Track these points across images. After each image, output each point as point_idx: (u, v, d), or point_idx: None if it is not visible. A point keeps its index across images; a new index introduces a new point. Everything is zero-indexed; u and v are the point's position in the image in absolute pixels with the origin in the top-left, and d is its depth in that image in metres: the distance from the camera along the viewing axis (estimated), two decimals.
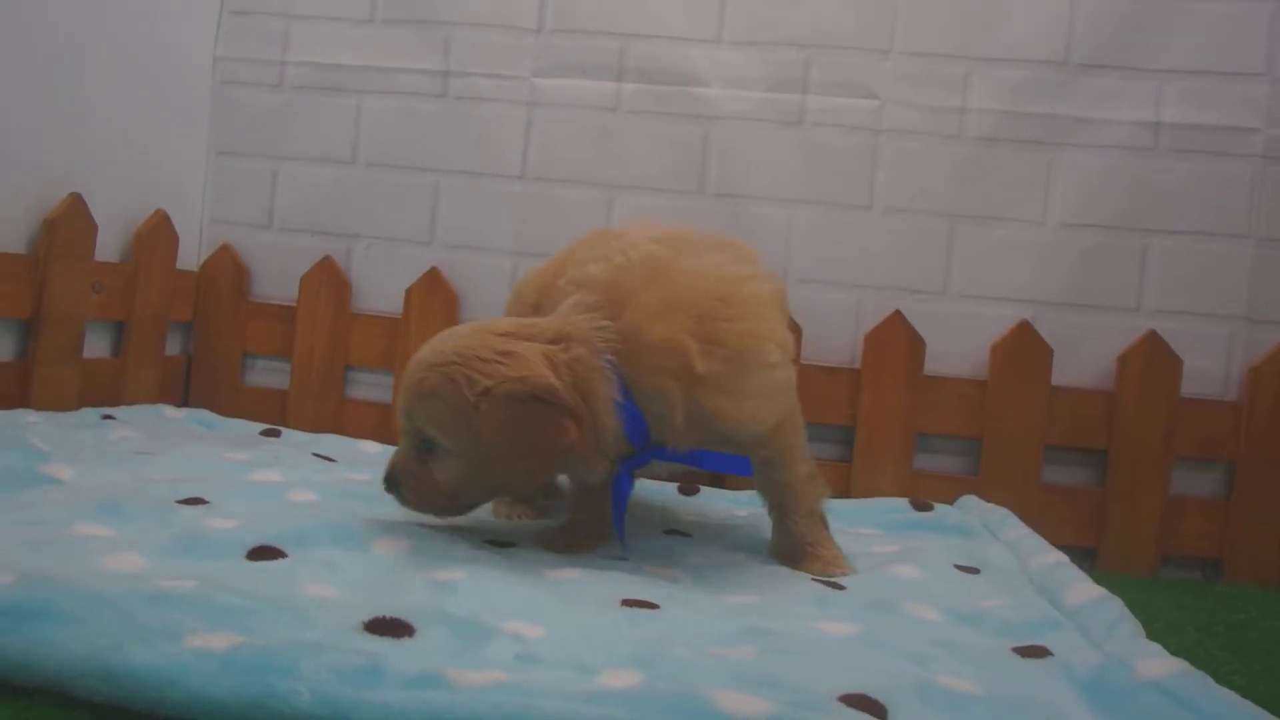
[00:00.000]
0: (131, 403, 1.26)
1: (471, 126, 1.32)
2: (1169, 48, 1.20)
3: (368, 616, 0.58)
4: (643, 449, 0.81)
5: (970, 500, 1.16)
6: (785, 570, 0.86)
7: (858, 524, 1.10)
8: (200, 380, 1.37)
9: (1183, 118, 1.20)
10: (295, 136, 1.37)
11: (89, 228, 1.16)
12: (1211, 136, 1.20)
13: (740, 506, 1.13)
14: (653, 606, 0.68)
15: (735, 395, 0.79)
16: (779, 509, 0.89)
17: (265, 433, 1.26)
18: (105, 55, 1.16)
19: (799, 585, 0.80)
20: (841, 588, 0.80)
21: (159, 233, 1.29)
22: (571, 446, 0.76)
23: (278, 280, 1.37)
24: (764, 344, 0.81)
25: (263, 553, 0.70)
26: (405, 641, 0.56)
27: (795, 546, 0.88)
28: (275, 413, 1.33)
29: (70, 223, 1.13)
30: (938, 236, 1.24)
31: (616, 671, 0.54)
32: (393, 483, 0.81)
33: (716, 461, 0.83)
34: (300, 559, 0.70)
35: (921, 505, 1.14)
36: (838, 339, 1.25)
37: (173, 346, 1.35)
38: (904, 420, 1.22)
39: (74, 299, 1.15)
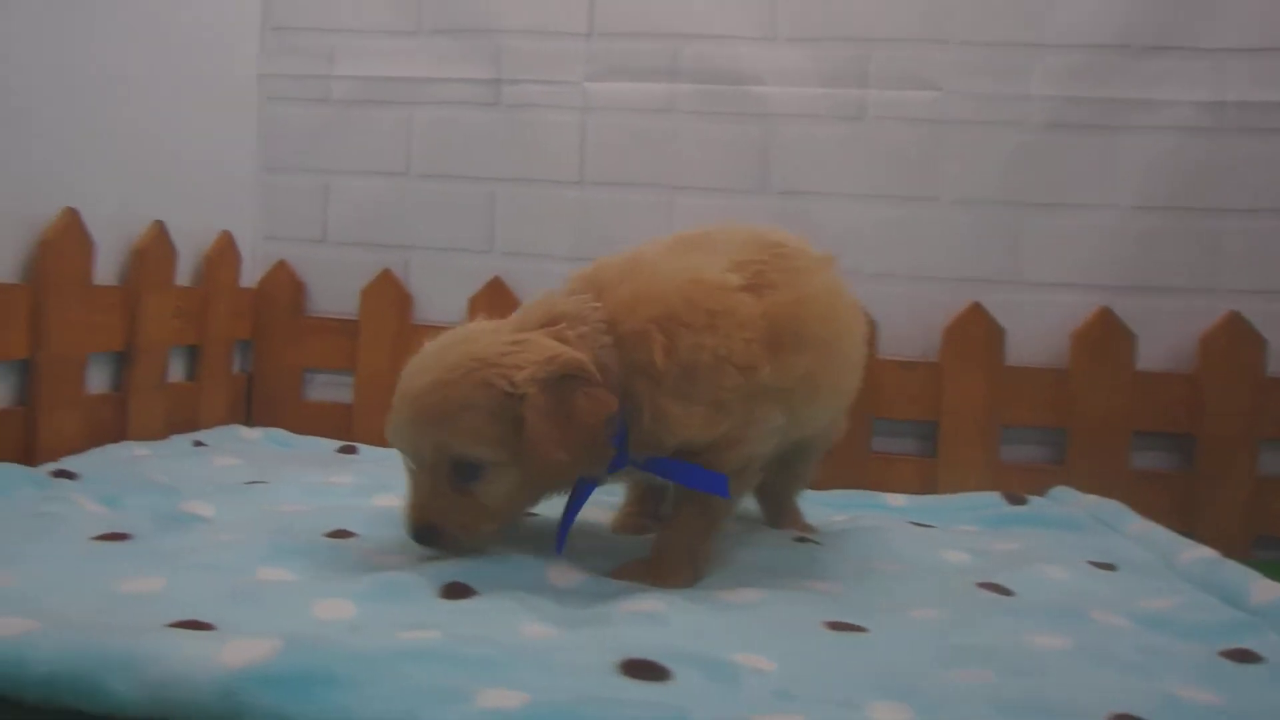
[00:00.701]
0: (208, 425, 1.24)
1: (525, 134, 1.31)
2: (1228, 26, 1.20)
3: (616, 658, 0.54)
4: (620, 453, 0.75)
5: (1065, 492, 1.13)
6: (955, 580, 0.81)
7: (954, 521, 1.08)
8: (262, 398, 1.34)
9: (1246, 95, 1.20)
10: (345, 150, 1.35)
11: (170, 254, 1.15)
12: (1276, 114, 1.19)
13: (837, 510, 1.10)
14: (860, 630, 0.66)
15: (687, 400, 0.74)
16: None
17: (342, 449, 1.23)
18: (151, 81, 1.14)
19: (974, 595, 0.77)
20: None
21: (225, 254, 1.28)
22: (613, 420, 0.71)
23: (335, 294, 1.35)
24: (711, 357, 0.74)
25: (454, 590, 0.67)
26: (672, 686, 0.53)
27: (655, 555, 0.78)
28: (341, 428, 1.31)
29: (155, 251, 1.12)
30: (1006, 225, 1.23)
31: (880, 705, 0.52)
32: (430, 533, 0.72)
33: (685, 475, 0.76)
34: (490, 596, 0.67)
35: (1015, 498, 1.11)
36: (912, 333, 1.23)
37: (233, 365, 1.33)
38: (988, 412, 1.20)
39: (160, 326, 1.14)
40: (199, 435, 1.17)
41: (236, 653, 0.47)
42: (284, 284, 1.35)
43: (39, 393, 0.94)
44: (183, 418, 1.19)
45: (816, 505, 1.15)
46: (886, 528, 0.99)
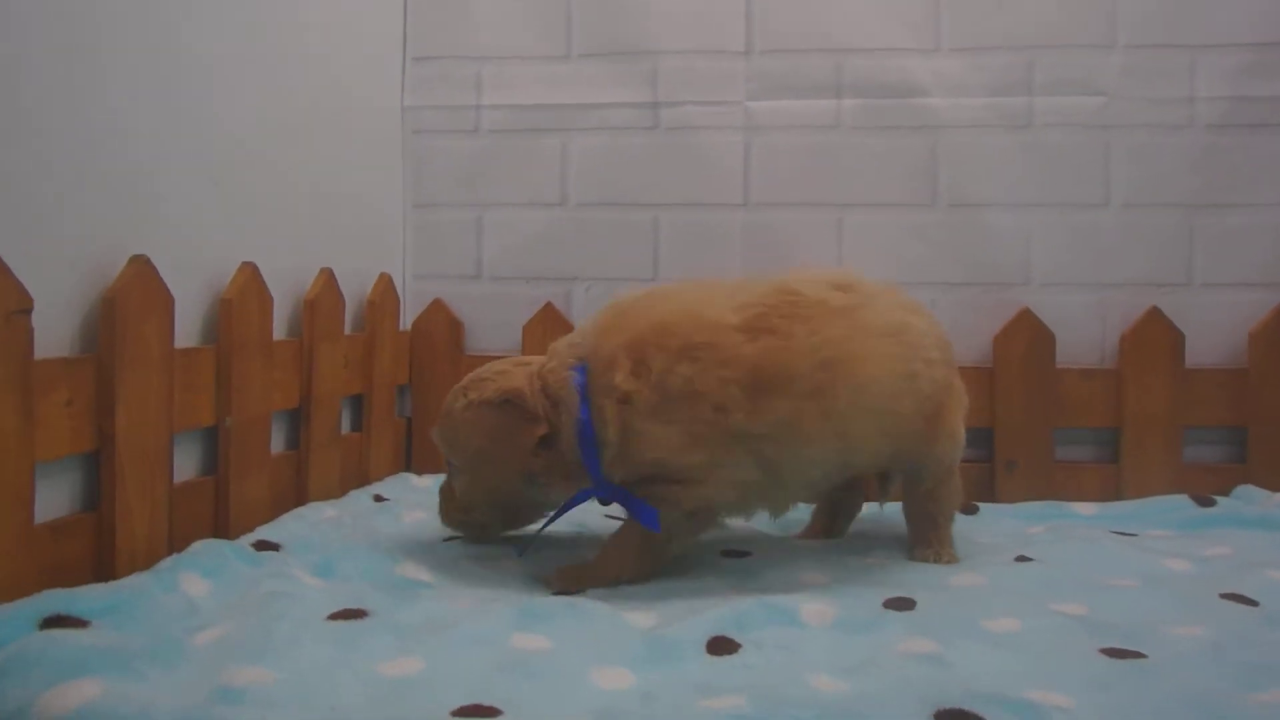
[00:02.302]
0: (378, 475, 1.23)
1: (687, 157, 1.30)
2: None
3: (930, 709, 0.56)
4: (597, 481, 0.83)
5: (1251, 490, 1.17)
6: (1195, 591, 0.83)
7: (1146, 525, 1.11)
8: (424, 442, 1.34)
9: None
10: (498, 182, 1.33)
11: (339, 303, 1.13)
12: None
13: (1030, 522, 1.12)
14: (1139, 655, 0.67)
15: (663, 421, 0.79)
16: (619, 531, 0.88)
17: None
18: (301, 125, 1.10)
19: (1225, 608, 0.79)
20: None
21: (387, 297, 1.27)
22: (535, 450, 0.83)
23: (495, 331, 1.34)
24: (683, 384, 0.78)
25: (719, 645, 0.68)
26: None
27: (583, 566, 0.86)
28: None
29: (326, 300, 1.10)
30: (1177, 227, 1.24)
31: None
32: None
33: (625, 501, 0.83)
34: (755, 649, 0.68)
35: (1204, 500, 1.15)
36: (1089, 340, 1.25)
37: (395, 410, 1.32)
38: (1170, 416, 1.22)
39: (333, 378, 1.12)
40: (375, 489, 1.17)
41: None
42: (441, 323, 1.34)
43: (228, 459, 0.92)
44: (354, 470, 1.19)
45: (1008, 519, 1.18)
46: (1093, 538, 1.01)
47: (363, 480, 1.20)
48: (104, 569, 0.75)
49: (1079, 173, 1.25)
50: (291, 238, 1.06)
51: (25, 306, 0.67)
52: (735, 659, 0.67)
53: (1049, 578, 0.87)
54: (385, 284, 1.26)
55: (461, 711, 0.55)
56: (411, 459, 1.34)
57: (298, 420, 1.06)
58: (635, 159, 1.31)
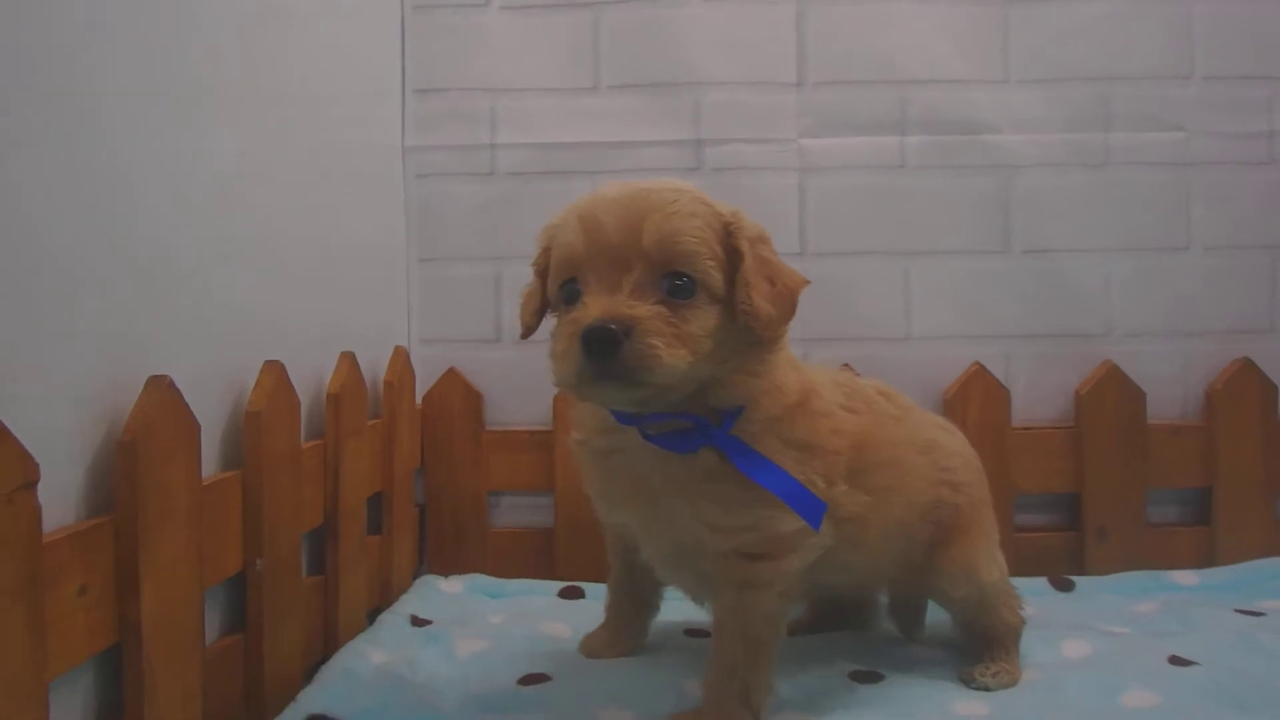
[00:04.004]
0: (399, 581, 1.06)
1: (735, 201, 1.12)
2: None
3: None
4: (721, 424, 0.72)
5: None
6: None
7: (1255, 596, 1.02)
8: (440, 530, 1.16)
9: None
10: (518, 232, 1.14)
11: (362, 390, 0.97)
12: None
13: (1134, 598, 1.03)
14: None
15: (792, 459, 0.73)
16: None
17: (565, 592, 1.06)
18: (280, 162, 0.90)
19: None
20: None
21: (405, 376, 1.09)
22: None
23: (519, 402, 1.17)
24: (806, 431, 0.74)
25: None
26: None
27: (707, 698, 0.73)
28: (539, 560, 1.16)
29: (351, 390, 0.93)
30: (1260, 270, 1.17)
31: None
32: (613, 338, 0.63)
33: (768, 473, 0.71)
34: None
35: None
36: (1174, 393, 1.17)
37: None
38: (1264, 473, 1.14)
39: (359, 480, 0.94)
40: (406, 605, 1.00)
41: None
42: (456, 395, 1.17)
43: (260, 609, 0.73)
44: (378, 581, 1.02)
45: (1107, 594, 1.09)
46: (1219, 619, 0.94)
47: (385, 589, 1.03)
48: None
49: (1158, 214, 1.17)
50: (289, 313, 0.86)
51: (31, 479, 0.49)
52: None
53: (1222, 687, 0.77)
54: (402, 360, 1.09)
55: None
56: (425, 554, 1.16)
57: (321, 539, 0.88)
58: None
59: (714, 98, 1.16)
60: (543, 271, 0.72)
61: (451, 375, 1.17)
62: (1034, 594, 1.04)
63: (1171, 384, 1.17)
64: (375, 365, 1.05)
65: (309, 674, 0.81)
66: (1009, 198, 1.16)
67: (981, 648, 0.84)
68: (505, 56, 1.16)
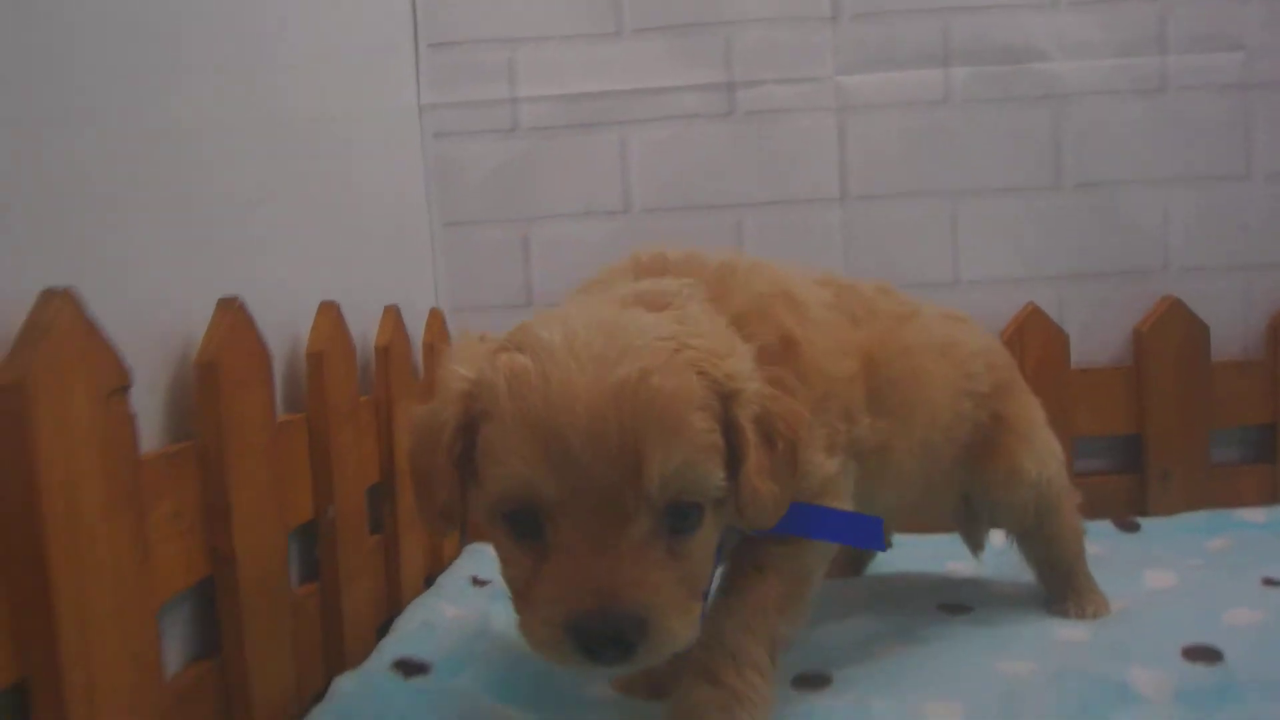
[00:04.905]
0: (446, 550, 1.02)
1: (771, 146, 1.11)
2: None
3: None
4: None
5: None
6: None
7: None
8: None
9: None
10: (545, 190, 1.12)
11: (406, 347, 0.94)
12: None
13: (1204, 535, 1.01)
14: None
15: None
16: None
17: None
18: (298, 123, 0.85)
19: None
20: None
21: (442, 340, 1.06)
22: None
23: None
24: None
25: None
26: None
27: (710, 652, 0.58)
28: None
29: (398, 346, 0.89)
30: None
31: None
32: (641, 629, 0.48)
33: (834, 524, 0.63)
34: None
35: None
36: (1238, 328, 1.12)
37: None
38: None
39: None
40: (461, 569, 0.98)
41: None
42: None
43: (334, 560, 0.72)
44: (431, 545, 0.99)
45: (1175, 533, 1.06)
46: None
47: (433, 557, 1.00)
48: None
49: (1218, 142, 1.11)
50: (331, 263, 0.82)
51: (123, 382, 0.46)
52: None
53: None
54: (439, 323, 1.06)
55: None
56: (466, 523, 1.13)
57: (378, 497, 0.86)
58: (710, 152, 1.11)
59: (745, 36, 1.10)
60: (450, 428, 0.50)
61: None
62: (1099, 536, 1.01)
63: (1233, 320, 1.12)
64: (412, 329, 1.01)
65: (380, 631, 0.80)
66: (1060, 130, 1.11)
67: (1061, 583, 0.80)
68: (522, 3, 1.10)
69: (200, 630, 0.57)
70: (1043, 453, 0.77)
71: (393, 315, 0.89)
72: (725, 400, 0.50)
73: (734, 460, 0.50)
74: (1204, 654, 0.66)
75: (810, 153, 1.10)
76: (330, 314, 0.74)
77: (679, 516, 0.48)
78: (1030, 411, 0.79)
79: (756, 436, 0.50)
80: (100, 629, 0.44)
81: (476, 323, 1.13)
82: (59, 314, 0.42)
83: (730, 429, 0.50)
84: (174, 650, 0.55)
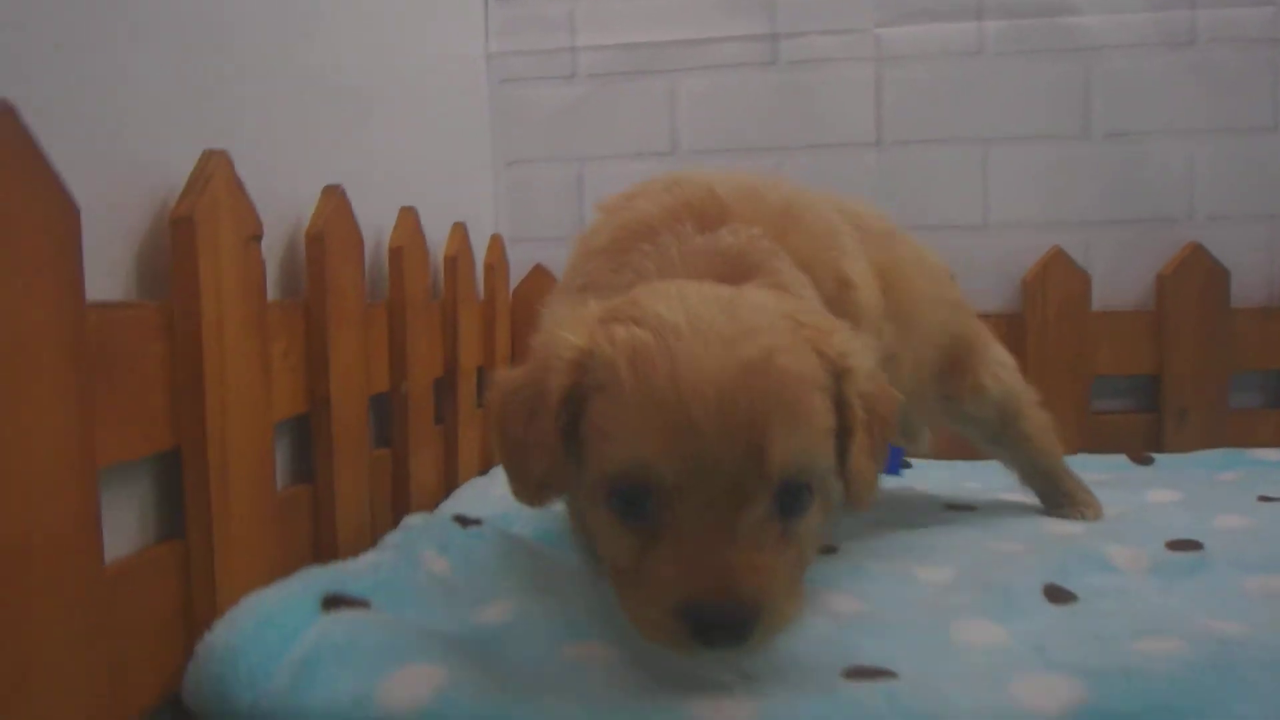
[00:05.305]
0: (495, 460, 1.12)
1: (811, 95, 1.18)
2: None
3: None
4: None
5: None
6: None
7: None
8: None
9: None
10: (600, 132, 1.21)
11: (471, 262, 1.04)
12: None
13: (1217, 469, 1.05)
14: None
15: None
16: None
17: None
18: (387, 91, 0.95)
19: None
20: None
21: (502, 263, 1.16)
22: None
23: None
24: None
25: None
26: None
27: None
28: None
29: (464, 259, 1.00)
30: None
31: None
32: (754, 615, 0.47)
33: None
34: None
35: None
36: (1256, 277, 1.16)
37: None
38: None
39: (471, 346, 1.03)
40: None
41: None
42: (544, 292, 1.21)
43: (405, 429, 0.83)
44: (480, 450, 1.08)
45: (1188, 467, 1.10)
46: None
47: (488, 462, 1.10)
48: (323, 548, 0.68)
49: (1245, 94, 1.15)
50: (399, 181, 0.92)
51: (258, 232, 0.58)
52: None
53: None
54: (500, 248, 1.16)
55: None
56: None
57: (440, 392, 0.96)
58: (753, 99, 1.19)
59: None
60: (557, 398, 0.48)
61: (539, 272, 1.23)
62: (1113, 469, 1.08)
63: (1256, 267, 1.17)
64: (475, 249, 1.11)
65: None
66: (1090, 81, 1.16)
67: (1051, 488, 0.86)
68: None
69: (295, 461, 0.69)
70: (997, 364, 0.84)
71: (461, 231, 1.00)
72: (838, 378, 0.50)
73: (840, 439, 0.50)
74: (1186, 545, 0.72)
75: (848, 100, 1.18)
76: (409, 217, 0.85)
77: (791, 497, 0.47)
78: (979, 325, 0.86)
79: (865, 415, 0.51)
80: (234, 419, 0.54)
81: (531, 254, 1.24)
82: (216, 169, 0.53)
83: (841, 406, 0.50)
84: (278, 471, 0.66)
